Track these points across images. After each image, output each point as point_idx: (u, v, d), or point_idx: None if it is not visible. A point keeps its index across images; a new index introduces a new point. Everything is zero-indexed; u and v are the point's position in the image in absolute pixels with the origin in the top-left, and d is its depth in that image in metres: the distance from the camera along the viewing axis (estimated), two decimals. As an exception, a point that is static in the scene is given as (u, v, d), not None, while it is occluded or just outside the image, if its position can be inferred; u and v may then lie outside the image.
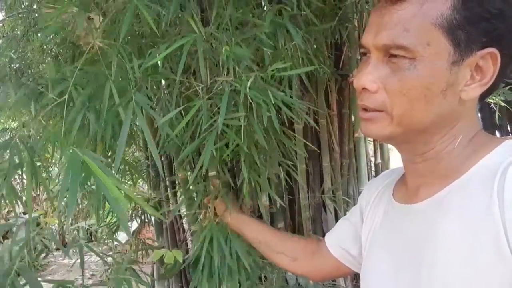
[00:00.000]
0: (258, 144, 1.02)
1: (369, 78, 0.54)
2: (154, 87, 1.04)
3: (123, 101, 0.81)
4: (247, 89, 0.87)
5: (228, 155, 1.01)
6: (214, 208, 1.10)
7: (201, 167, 0.98)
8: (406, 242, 0.58)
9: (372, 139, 1.81)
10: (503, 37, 0.51)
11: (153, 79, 0.97)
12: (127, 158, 1.55)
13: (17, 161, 0.68)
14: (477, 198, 0.49)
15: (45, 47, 1.45)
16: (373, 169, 1.72)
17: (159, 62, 0.96)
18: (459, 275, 0.48)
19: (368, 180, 1.46)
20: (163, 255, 1.32)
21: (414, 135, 0.55)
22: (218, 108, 0.92)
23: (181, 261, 1.26)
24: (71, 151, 0.59)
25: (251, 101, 0.89)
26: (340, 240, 0.81)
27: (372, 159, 1.81)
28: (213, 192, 1.09)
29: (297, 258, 0.90)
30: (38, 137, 0.90)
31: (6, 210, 6.37)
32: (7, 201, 0.70)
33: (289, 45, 0.99)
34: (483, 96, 0.56)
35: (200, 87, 0.94)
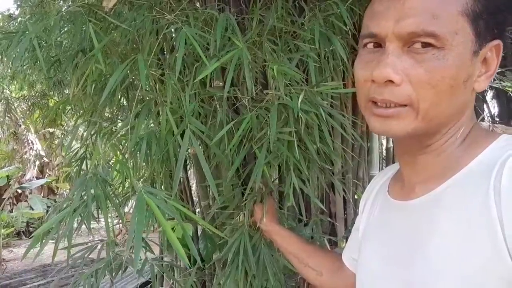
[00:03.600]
0: (306, 155, 1.06)
1: (393, 69, 0.49)
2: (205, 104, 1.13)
3: (180, 130, 0.90)
4: (299, 104, 0.90)
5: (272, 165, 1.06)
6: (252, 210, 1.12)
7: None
8: (402, 238, 0.57)
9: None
10: (504, 29, 0.51)
11: (202, 96, 1.05)
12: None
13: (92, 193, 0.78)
14: (474, 194, 0.48)
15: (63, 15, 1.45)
16: (384, 153, 1.71)
17: (206, 80, 1.04)
18: (455, 271, 0.48)
19: (379, 164, 1.46)
20: (173, 227, 1.35)
21: (432, 129, 0.53)
22: (266, 121, 0.96)
23: (190, 234, 1.29)
24: (141, 190, 0.66)
25: (301, 116, 0.92)
26: (351, 251, 0.80)
27: (384, 142, 1.80)
28: (256, 196, 1.12)
29: (323, 273, 0.88)
30: (107, 168, 1.03)
31: (20, 174, 6.55)
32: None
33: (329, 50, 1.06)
34: None
35: (246, 99, 0.99)
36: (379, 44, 0.52)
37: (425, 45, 0.48)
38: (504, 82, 1.60)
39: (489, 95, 2.30)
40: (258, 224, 1.08)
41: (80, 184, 0.79)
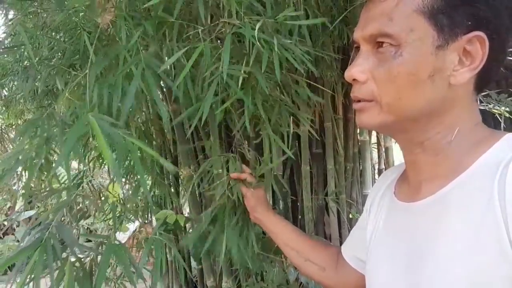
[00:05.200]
0: (265, 97, 0.97)
1: (358, 69, 0.56)
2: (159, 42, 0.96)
3: (134, 61, 0.80)
4: (255, 32, 0.79)
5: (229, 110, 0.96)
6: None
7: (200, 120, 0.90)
8: (409, 240, 0.57)
9: (376, 145, 1.82)
10: (489, 21, 0.52)
11: (151, 21, 0.88)
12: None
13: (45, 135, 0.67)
14: (479, 195, 0.49)
15: (55, 44, 1.47)
16: (377, 174, 1.72)
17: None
18: (461, 273, 0.48)
19: (372, 184, 1.46)
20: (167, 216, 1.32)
21: (407, 123, 0.56)
22: (219, 56, 0.84)
23: (182, 224, 1.26)
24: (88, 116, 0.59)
25: (256, 46, 0.81)
26: (354, 250, 0.78)
27: (376, 165, 1.81)
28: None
29: (326, 268, 0.84)
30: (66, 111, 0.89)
31: (8, 205, 6.40)
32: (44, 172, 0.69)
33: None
34: (479, 86, 0.56)
35: (200, 29, 0.87)
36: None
37: (385, 44, 0.53)
38: (490, 104, 1.64)
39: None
40: (252, 212, 0.98)
41: (32, 124, 0.67)
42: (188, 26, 0.95)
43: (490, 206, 0.47)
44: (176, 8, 0.82)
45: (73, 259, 0.72)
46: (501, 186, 0.46)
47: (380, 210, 0.70)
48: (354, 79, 0.57)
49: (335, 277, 0.84)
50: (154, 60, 0.82)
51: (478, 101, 1.57)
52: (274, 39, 0.81)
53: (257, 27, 0.80)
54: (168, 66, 0.94)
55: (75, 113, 0.85)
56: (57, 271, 0.71)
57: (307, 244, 0.89)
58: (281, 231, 0.93)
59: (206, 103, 0.86)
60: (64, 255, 0.72)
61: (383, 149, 1.65)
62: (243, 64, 0.87)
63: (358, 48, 0.59)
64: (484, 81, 0.56)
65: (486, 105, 1.68)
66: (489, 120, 2.21)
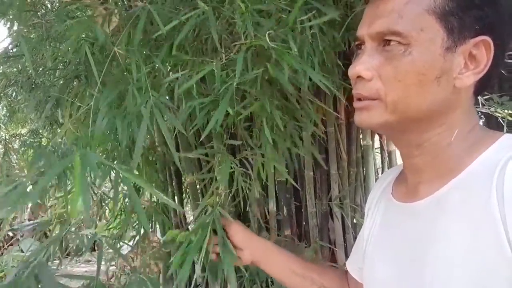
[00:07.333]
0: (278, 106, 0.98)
1: (364, 66, 0.54)
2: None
3: (143, 100, 0.80)
4: (267, 39, 0.79)
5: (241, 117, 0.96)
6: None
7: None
8: (407, 241, 0.57)
9: (379, 150, 1.81)
10: (495, 26, 0.52)
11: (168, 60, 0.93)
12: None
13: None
14: (477, 195, 0.49)
15: (59, 55, 1.48)
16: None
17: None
18: (460, 274, 0.48)
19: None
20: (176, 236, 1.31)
21: (409, 124, 0.55)
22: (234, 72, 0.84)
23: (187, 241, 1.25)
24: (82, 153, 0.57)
25: (271, 53, 0.82)
26: (357, 261, 0.76)
27: (380, 170, 1.80)
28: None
29: None
30: (67, 143, 0.89)
31: (12, 216, 6.40)
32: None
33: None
34: (478, 89, 0.56)
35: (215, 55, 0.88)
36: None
37: (394, 42, 0.52)
38: (492, 107, 1.63)
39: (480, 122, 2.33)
40: (244, 248, 0.88)
41: (37, 158, 0.66)
42: (204, 52, 0.96)
43: (488, 206, 0.46)
44: (181, 34, 0.82)
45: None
46: (499, 186, 0.46)
47: (377, 211, 0.69)
48: (358, 76, 0.56)
49: None
50: (163, 98, 0.82)
51: (481, 104, 1.57)
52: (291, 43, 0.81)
53: (267, 33, 0.79)
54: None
55: (75, 144, 0.85)
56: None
57: (316, 270, 0.84)
58: (282, 258, 0.86)
59: (220, 110, 0.85)
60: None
61: (386, 154, 1.64)
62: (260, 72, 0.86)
63: (359, 45, 0.59)
64: (484, 86, 0.56)
65: (489, 108, 1.68)
66: (493, 124, 2.21)
